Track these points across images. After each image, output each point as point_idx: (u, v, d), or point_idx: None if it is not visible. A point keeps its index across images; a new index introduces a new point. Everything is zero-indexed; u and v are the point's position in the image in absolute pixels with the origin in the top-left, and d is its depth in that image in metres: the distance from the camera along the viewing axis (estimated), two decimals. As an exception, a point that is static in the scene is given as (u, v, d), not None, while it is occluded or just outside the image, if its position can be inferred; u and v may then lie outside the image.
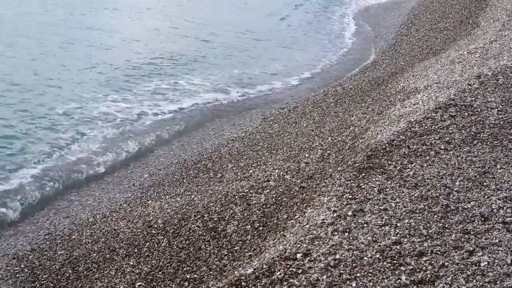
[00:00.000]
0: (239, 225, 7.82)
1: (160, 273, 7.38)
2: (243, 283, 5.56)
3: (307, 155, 9.78)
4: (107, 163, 11.75)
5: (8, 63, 16.37)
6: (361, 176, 7.31)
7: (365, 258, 5.66)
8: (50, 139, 12.34)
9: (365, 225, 6.21)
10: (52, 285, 7.83)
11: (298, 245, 5.98)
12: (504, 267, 5.53)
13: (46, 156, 11.56)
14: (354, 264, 5.56)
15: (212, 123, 14.11)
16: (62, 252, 8.55)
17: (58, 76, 15.84)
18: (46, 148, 11.86)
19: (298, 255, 5.77)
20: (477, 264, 5.58)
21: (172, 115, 14.34)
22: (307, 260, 5.68)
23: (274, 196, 8.30)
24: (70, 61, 17.17)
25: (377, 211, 6.47)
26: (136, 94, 15.31)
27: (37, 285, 7.89)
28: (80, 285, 7.70)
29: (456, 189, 6.95)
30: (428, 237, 6.00)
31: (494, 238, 5.98)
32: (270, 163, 10.18)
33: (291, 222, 7.04)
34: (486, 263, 5.58)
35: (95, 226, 9.25)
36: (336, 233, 6.09)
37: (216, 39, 21.30)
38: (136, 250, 8.09)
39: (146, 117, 14.04)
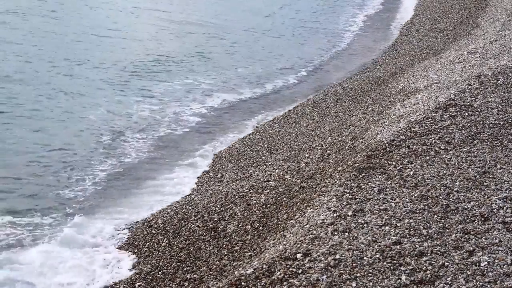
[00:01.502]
0: (239, 225, 7.82)
1: (160, 273, 7.38)
2: (243, 283, 5.57)
3: (307, 155, 9.78)
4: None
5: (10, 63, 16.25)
6: (361, 176, 7.31)
7: (365, 258, 5.66)
8: (91, 145, 11.70)
9: (365, 225, 6.22)
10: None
11: (298, 245, 5.98)
12: (504, 267, 5.53)
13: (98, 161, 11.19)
14: (354, 264, 5.57)
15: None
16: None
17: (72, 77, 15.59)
18: (93, 155, 11.31)
19: (298, 255, 5.77)
20: (477, 264, 5.58)
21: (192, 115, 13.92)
22: (307, 260, 5.68)
23: (274, 196, 8.29)
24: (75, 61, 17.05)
25: (377, 211, 6.47)
26: (153, 96, 14.99)
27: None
28: (80, 285, 7.70)
29: (456, 189, 6.95)
30: (428, 237, 6.01)
31: (494, 238, 5.98)
32: (270, 163, 10.17)
33: (291, 222, 7.05)
34: (486, 263, 5.58)
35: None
36: (336, 233, 6.09)
37: (221, 38, 21.24)
38: (136, 250, 8.09)
39: (164, 119, 13.61)
